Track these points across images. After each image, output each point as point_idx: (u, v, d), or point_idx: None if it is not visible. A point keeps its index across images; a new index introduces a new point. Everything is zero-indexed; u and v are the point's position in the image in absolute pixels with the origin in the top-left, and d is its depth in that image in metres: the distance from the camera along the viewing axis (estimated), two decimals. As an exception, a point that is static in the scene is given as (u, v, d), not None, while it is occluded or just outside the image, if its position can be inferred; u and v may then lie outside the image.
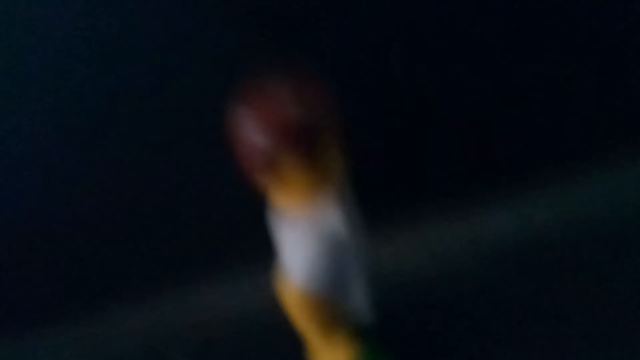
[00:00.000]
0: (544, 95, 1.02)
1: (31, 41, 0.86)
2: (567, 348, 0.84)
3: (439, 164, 1.04)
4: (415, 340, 0.87)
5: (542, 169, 1.07)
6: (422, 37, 0.94)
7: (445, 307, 0.92)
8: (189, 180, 0.99)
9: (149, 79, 0.91)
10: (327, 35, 0.91)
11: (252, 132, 0.56)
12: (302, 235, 0.59)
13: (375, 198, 0.91)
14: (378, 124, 0.99)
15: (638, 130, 1.06)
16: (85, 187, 0.97)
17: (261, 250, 0.95)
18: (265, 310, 0.99)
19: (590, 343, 0.83)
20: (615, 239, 0.98)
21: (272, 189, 0.59)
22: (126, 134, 0.94)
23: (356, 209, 0.66)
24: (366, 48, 0.93)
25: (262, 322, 0.99)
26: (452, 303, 0.92)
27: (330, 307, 0.59)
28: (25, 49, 0.87)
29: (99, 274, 1.04)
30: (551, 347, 0.84)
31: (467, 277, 0.96)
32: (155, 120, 0.94)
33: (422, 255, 1.03)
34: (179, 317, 1.04)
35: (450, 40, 0.95)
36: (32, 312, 1.04)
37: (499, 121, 1.03)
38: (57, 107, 0.91)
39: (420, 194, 1.05)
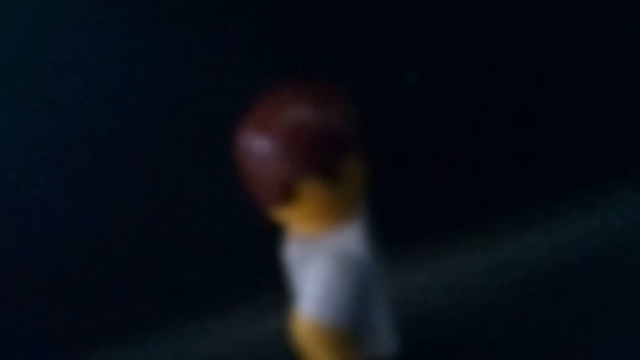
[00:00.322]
0: (569, 115, 0.99)
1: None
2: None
3: (462, 188, 1.00)
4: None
5: (570, 192, 1.03)
6: (443, 56, 0.91)
7: (471, 337, 0.87)
8: (192, 206, 0.94)
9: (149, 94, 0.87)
10: (339, 52, 0.88)
11: (264, 155, 0.47)
12: (318, 259, 0.51)
13: (396, 225, 0.84)
14: (396, 147, 0.93)
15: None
16: (83, 213, 0.92)
17: (268, 282, 0.87)
18: (274, 346, 0.91)
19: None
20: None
21: (288, 218, 0.52)
22: (128, 157, 0.91)
23: (376, 232, 0.60)
24: (382, 65, 0.90)
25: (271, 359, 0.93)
26: (478, 332, 0.87)
27: (348, 338, 0.51)
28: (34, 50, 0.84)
29: (98, 310, 0.99)
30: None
31: (492, 306, 0.92)
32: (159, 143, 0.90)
33: (446, 283, 0.98)
34: (180, 354, 0.99)
35: (475, 62, 0.92)
36: (34, 348, 0.99)
37: (523, 143, 0.99)
38: (57, 120, 0.87)
39: (443, 220, 1.00)
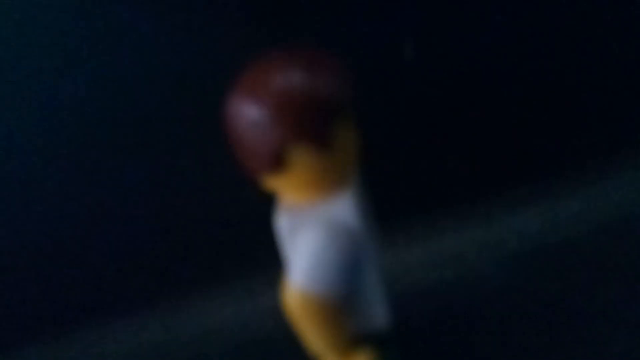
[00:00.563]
0: (565, 93, 0.98)
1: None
2: (593, 355, 0.78)
3: (459, 164, 0.99)
4: (435, 349, 0.81)
5: (565, 169, 1.03)
6: (441, 27, 0.90)
7: (466, 314, 0.86)
8: (183, 183, 0.93)
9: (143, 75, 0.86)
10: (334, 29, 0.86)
11: (254, 122, 0.45)
12: (308, 229, 0.49)
13: (391, 202, 0.86)
14: (390, 126, 0.93)
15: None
16: (68, 193, 0.91)
17: (258, 257, 0.90)
18: (264, 321, 0.93)
19: (619, 350, 0.78)
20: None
21: (279, 187, 0.50)
22: (115, 135, 0.89)
23: (368, 203, 0.58)
24: (378, 42, 0.88)
25: (261, 336, 0.92)
26: (474, 307, 0.87)
27: (338, 310, 0.50)
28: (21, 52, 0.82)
29: (84, 289, 0.98)
30: (576, 353, 0.79)
31: (487, 282, 0.91)
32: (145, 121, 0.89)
33: (441, 260, 0.97)
34: (169, 333, 0.98)
35: (473, 36, 0.91)
36: (14, 331, 0.98)
37: (521, 120, 0.98)
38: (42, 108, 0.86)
39: (438, 197, 1.00)
